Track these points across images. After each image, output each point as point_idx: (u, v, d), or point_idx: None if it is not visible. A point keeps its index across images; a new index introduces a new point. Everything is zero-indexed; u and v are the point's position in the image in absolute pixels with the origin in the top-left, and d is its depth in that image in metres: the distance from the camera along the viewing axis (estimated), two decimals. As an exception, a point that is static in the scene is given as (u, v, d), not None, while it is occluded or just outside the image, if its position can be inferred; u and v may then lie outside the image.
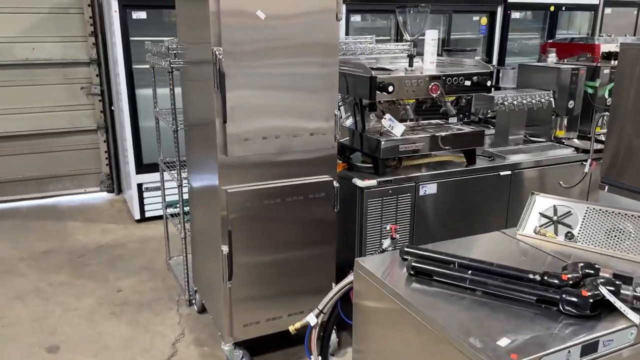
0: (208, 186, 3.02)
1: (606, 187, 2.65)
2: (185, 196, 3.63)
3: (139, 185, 5.23)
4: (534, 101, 3.75)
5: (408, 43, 3.87)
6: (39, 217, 5.50)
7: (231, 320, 2.96)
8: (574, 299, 1.64)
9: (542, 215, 2.27)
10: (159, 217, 4.69)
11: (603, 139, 2.97)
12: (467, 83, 3.23)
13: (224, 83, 2.59)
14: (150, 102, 4.08)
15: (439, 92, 3.15)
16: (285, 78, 2.77)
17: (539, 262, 2.05)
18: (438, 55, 3.46)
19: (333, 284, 2.82)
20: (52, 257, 4.58)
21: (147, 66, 3.95)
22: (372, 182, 3.11)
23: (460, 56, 4.40)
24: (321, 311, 2.32)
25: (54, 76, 5.67)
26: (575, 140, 3.99)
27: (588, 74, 3.90)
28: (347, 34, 5.64)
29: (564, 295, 1.66)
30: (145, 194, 5.27)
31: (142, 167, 5.18)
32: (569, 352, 1.53)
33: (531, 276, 1.80)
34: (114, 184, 6.17)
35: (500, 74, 4.72)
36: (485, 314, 1.70)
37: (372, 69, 3.05)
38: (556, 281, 1.75)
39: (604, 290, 1.65)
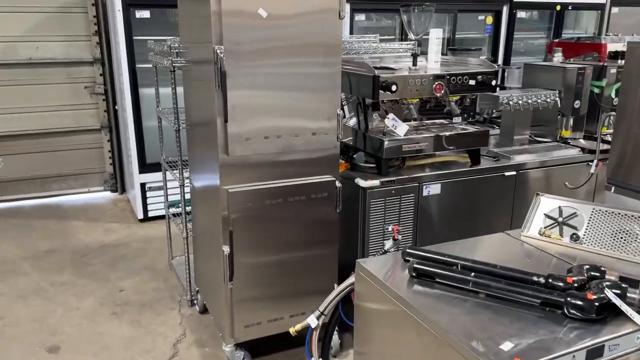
0: (209, 186, 2.99)
1: (612, 188, 2.61)
2: (188, 196, 3.61)
3: (142, 185, 5.22)
4: (539, 101, 3.71)
5: (412, 42, 3.84)
6: (42, 216, 5.50)
7: (232, 321, 2.93)
8: (579, 302, 1.62)
9: (547, 216, 2.24)
10: (162, 217, 4.68)
11: (609, 139, 2.93)
12: (472, 82, 3.19)
13: (225, 82, 2.57)
14: (153, 102, 4.07)
15: (443, 92, 3.12)
16: (287, 78, 2.74)
17: (543, 264, 2.02)
18: (442, 54, 3.42)
19: (335, 285, 2.80)
20: (54, 257, 4.57)
21: (150, 65, 3.94)
22: (375, 182, 3.08)
23: (465, 55, 4.37)
24: (322, 313, 2.30)
25: (58, 75, 5.67)
26: (581, 141, 3.95)
27: (594, 73, 3.85)
28: (351, 33, 5.62)
29: (568, 299, 1.63)
30: (148, 194, 5.26)
31: (145, 167, 5.17)
32: (574, 356, 1.50)
33: (535, 278, 1.77)
34: (118, 183, 6.16)
35: (506, 74, 4.69)
36: (488, 317, 1.68)
37: (376, 68, 3.02)
38: (561, 284, 1.72)
39: (609, 293, 1.62)
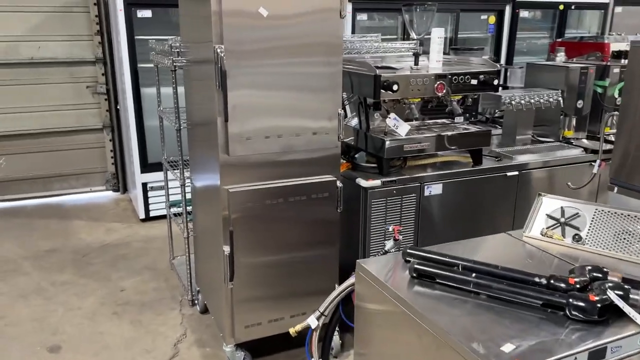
0: (210, 186, 2.99)
1: (615, 188, 2.60)
2: (189, 196, 3.60)
3: (144, 185, 5.21)
4: (542, 101, 3.70)
5: (414, 42, 3.82)
6: (43, 215, 5.50)
7: (233, 321, 2.92)
8: (581, 304, 1.60)
9: (549, 216, 2.23)
10: (164, 217, 4.67)
11: (612, 139, 2.92)
12: (474, 82, 3.18)
13: (225, 81, 2.56)
14: (155, 101, 4.06)
15: (444, 91, 3.10)
16: (288, 77, 2.73)
17: (545, 265, 2.00)
18: (445, 54, 3.40)
19: (336, 285, 2.78)
20: (55, 256, 4.57)
21: (152, 65, 3.93)
22: (376, 182, 3.07)
23: (467, 55, 4.35)
24: (322, 313, 2.29)
25: (60, 75, 5.67)
26: (584, 141, 3.93)
27: (597, 73, 3.83)
28: (353, 32, 5.60)
29: (570, 300, 1.62)
30: (150, 193, 5.25)
31: (147, 167, 5.17)
32: (576, 358, 1.49)
33: (537, 279, 1.76)
34: (120, 183, 6.16)
35: (508, 73, 4.67)
36: (489, 318, 1.66)
37: (377, 67, 3.01)
38: (563, 285, 1.71)
39: (612, 294, 1.60)
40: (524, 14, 6.59)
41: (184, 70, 3.31)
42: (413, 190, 3.18)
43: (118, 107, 5.80)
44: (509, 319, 1.64)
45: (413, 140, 3.15)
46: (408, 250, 2.01)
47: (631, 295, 1.61)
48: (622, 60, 3.95)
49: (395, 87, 2.92)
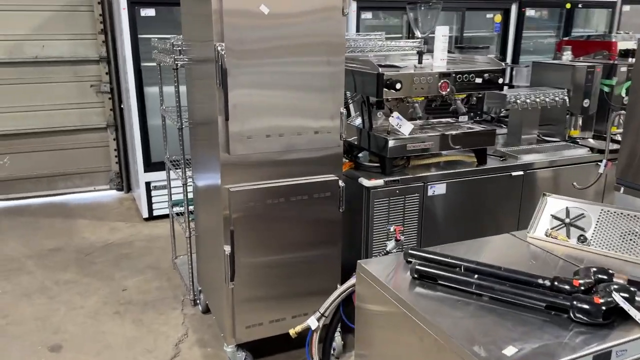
0: (211, 185, 2.97)
1: (622, 189, 2.55)
2: (191, 195, 3.59)
3: (147, 184, 5.21)
4: (547, 100, 3.65)
5: (419, 40, 3.79)
6: (48, 214, 5.50)
7: (233, 322, 2.90)
8: (586, 306, 1.57)
9: (554, 217, 2.19)
10: (167, 216, 4.66)
11: (619, 138, 2.87)
12: (478, 80, 3.14)
13: (226, 80, 2.54)
14: (158, 100, 4.05)
15: (448, 90, 3.07)
16: (289, 76, 2.71)
17: (549, 266, 1.97)
18: (449, 52, 3.37)
19: (338, 286, 2.76)
20: (59, 255, 4.57)
21: (155, 64, 3.92)
22: (379, 181, 3.04)
23: (473, 53, 4.31)
24: (322, 314, 2.26)
25: (64, 74, 5.67)
26: (590, 140, 3.88)
27: (604, 71, 3.78)
28: (357, 31, 5.57)
29: (575, 302, 1.59)
30: (153, 192, 5.25)
31: (150, 166, 5.16)
32: (580, 362, 1.45)
33: (541, 281, 1.73)
34: (124, 182, 6.16)
35: (514, 72, 4.63)
36: (491, 320, 1.63)
37: (380, 65, 2.98)
38: (567, 287, 1.67)
39: (617, 297, 1.57)
40: (530, 12, 6.53)
41: (186, 69, 3.30)
42: (416, 190, 3.14)
43: (122, 106, 5.80)
44: (512, 322, 1.61)
45: (416, 139, 3.12)
46: (409, 251, 1.98)
47: (637, 298, 1.58)
48: (630, 59, 3.91)
49: (398, 86, 2.89)
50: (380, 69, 2.91)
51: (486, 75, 3.14)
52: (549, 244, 2.12)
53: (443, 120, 3.49)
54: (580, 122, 3.89)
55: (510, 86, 4.44)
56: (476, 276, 1.77)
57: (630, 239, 2.00)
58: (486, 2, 6.34)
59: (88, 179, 6.07)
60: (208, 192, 3.09)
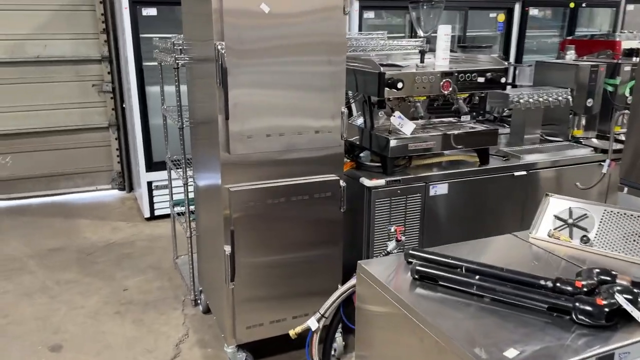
0: (211, 185, 2.95)
1: (625, 189, 2.53)
2: (192, 195, 3.57)
3: (149, 183, 5.20)
4: (551, 99, 3.63)
5: (421, 39, 3.77)
6: (49, 214, 5.50)
7: (234, 322, 2.89)
8: (588, 308, 1.55)
9: (557, 217, 2.17)
10: (169, 216, 4.65)
11: (623, 138, 2.85)
12: (481, 80, 3.12)
13: (226, 79, 2.52)
14: (160, 100, 4.04)
15: (450, 89, 3.04)
16: (290, 76, 2.69)
17: (552, 267, 1.95)
18: (452, 51, 3.34)
19: (339, 286, 2.74)
20: (60, 255, 4.56)
21: (156, 63, 3.91)
22: (380, 181, 3.02)
23: (475, 53, 4.29)
24: (323, 315, 2.25)
25: (66, 73, 5.67)
26: (594, 140, 3.85)
27: (608, 71, 3.76)
28: (360, 30, 5.55)
29: (577, 304, 1.56)
30: (155, 192, 5.24)
31: (152, 165, 5.15)
32: (582, 365, 1.43)
33: (543, 282, 1.71)
34: (126, 181, 6.15)
35: (517, 72, 4.60)
36: (492, 322, 1.61)
37: (382, 65, 2.96)
38: (569, 288, 1.65)
39: (620, 298, 1.55)
40: (534, 12, 6.50)
41: (186, 68, 3.29)
42: (418, 190, 3.12)
43: (124, 105, 5.79)
44: (513, 323, 1.59)
45: (418, 139, 3.10)
46: (410, 252, 1.96)
47: (640, 300, 1.56)
48: (634, 58, 3.88)
49: (399, 85, 2.87)
50: (381, 68, 2.89)
51: (489, 74, 3.12)
52: (552, 245, 2.10)
53: (445, 119, 3.47)
54: (583, 121, 3.86)
55: (513, 86, 4.42)
56: (477, 277, 1.75)
57: (634, 240, 1.98)
58: (489, 1, 6.31)
59: (90, 179, 6.07)
60: (208, 191, 3.07)
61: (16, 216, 5.46)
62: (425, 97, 3.15)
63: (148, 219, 5.30)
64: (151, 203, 5.27)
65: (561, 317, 1.59)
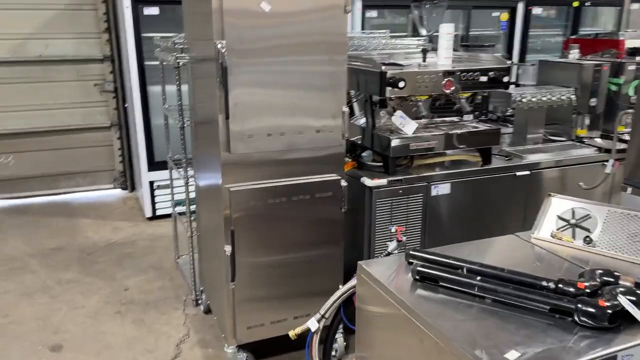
0: (212, 184, 2.94)
1: (629, 189, 2.51)
2: (193, 194, 3.56)
3: (151, 183, 5.19)
4: (554, 98, 3.60)
5: (423, 38, 3.75)
6: (51, 214, 5.50)
7: (234, 322, 2.88)
8: (591, 310, 1.53)
9: (560, 218, 2.15)
10: (170, 215, 4.64)
11: (627, 138, 2.83)
12: (483, 79, 3.10)
13: (226, 78, 2.51)
14: (161, 99, 4.03)
15: (453, 88, 3.02)
16: (291, 75, 2.68)
17: (554, 268, 1.93)
18: (455, 50, 3.32)
19: (340, 286, 2.72)
20: (62, 254, 4.56)
21: (158, 63, 3.90)
22: (382, 181, 3.00)
23: (478, 52, 4.27)
24: (323, 316, 2.23)
25: (68, 73, 5.66)
26: (598, 140, 3.82)
27: (612, 70, 3.73)
28: (362, 30, 5.53)
29: (579, 305, 1.55)
30: (156, 192, 5.23)
31: (154, 165, 5.14)
32: (584, 367, 1.41)
33: (545, 283, 1.69)
34: (128, 181, 6.15)
35: (520, 71, 4.57)
36: (494, 323, 1.60)
37: (383, 64, 2.94)
38: (572, 289, 1.63)
39: (623, 300, 1.53)
40: (537, 11, 6.47)
41: (188, 68, 3.27)
42: (420, 190, 3.10)
43: (126, 105, 5.78)
44: (515, 325, 1.57)
45: (420, 138, 3.08)
46: (411, 252, 1.94)
47: (644, 301, 1.54)
48: (637, 58, 3.85)
49: (401, 84, 2.85)
50: (383, 67, 2.87)
51: (491, 73, 3.09)
52: (554, 245, 2.08)
53: (447, 119, 3.45)
54: (587, 121, 3.83)
55: (517, 85, 4.39)
56: (479, 278, 1.74)
57: (638, 241, 1.96)
58: (492, 0, 6.28)
59: (91, 178, 6.07)
60: (209, 191, 3.06)
61: (18, 215, 5.46)
62: (427, 97, 3.13)
63: (150, 219, 5.29)
64: (153, 203, 5.26)
65: (563, 318, 1.57)
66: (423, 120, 3.31)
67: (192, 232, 3.62)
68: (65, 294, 3.92)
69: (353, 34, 4.00)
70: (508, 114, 4.18)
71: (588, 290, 1.61)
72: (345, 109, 2.81)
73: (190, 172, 3.53)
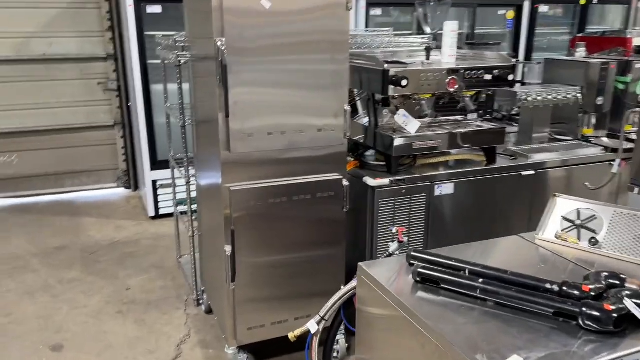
0: (212, 184, 2.92)
1: (636, 189, 2.46)
2: (194, 194, 3.54)
3: (154, 182, 5.18)
4: (560, 97, 3.56)
5: (428, 36, 3.71)
6: (54, 212, 5.49)
7: (235, 323, 2.85)
8: (596, 313, 1.49)
9: (565, 218, 2.10)
10: (173, 214, 4.62)
11: (634, 137, 2.78)
12: (488, 77, 3.05)
13: (226, 76, 2.48)
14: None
15: (457, 87, 2.98)
16: (292, 74, 2.64)
17: (558, 270, 1.89)
18: (459, 49, 3.28)
19: (342, 287, 2.69)
20: (64, 254, 4.55)
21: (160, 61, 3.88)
22: (384, 181, 2.96)
23: (483, 50, 4.22)
24: (322, 318, 2.20)
25: (71, 72, 5.66)
26: (604, 139, 3.77)
27: (619, 69, 3.68)
28: (366, 28, 5.49)
29: (584, 309, 1.51)
30: (159, 191, 5.22)
31: (157, 164, 5.13)
32: (588, 373, 1.38)
33: (549, 286, 1.65)
34: (131, 180, 6.14)
35: (526, 69, 4.52)
36: (496, 327, 1.56)
37: (386, 62, 2.90)
38: (576, 292, 1.60)
39: (629, 303, 1.49)
40: (544, 9, 6.40)
41: (189, 66, 3.25)
42: (423, 190, 3.07)
43: (129, 104, 5.77)
44: (517, 329, 1.53)
45: (423, 137, 3.04)
46: (412, 254, 1.91)
47: (651, 305, 1.50)
48: (645, 56, 3.79)
49: (404, 83, 2.81)
50: (385, 65, 2.83)
51: (496, 71, 3.05)
52: (559, 247, 2.04)
53: (451, 118, 3.41)
54: (593, 120, 3.78)
55: (522, 83, 4.34)
56: (481, 280, 1.70)
57: (644, 242, 1.91)
58: (498, -2, 6.23)
59: (95, 177, 6.06)
60: (210, 191, 3.04)
61: (21, 214, 5.46)
62: (430, 95, 3.09)
63: (153, 218, 5.28)
64: (156, 202, 5.25)
65: (567, 322, 1.53)
66: (426, 119, 3.27)
67: (193, 232, 3.59)
68: (67, 293, 3.91)
69: (356, 32, 3.97)
70: (513, 112, 4.13)
71: (593, 293, 1.57)
72: (347, 108, 2.78)
73: (192, 172, 3.50)
